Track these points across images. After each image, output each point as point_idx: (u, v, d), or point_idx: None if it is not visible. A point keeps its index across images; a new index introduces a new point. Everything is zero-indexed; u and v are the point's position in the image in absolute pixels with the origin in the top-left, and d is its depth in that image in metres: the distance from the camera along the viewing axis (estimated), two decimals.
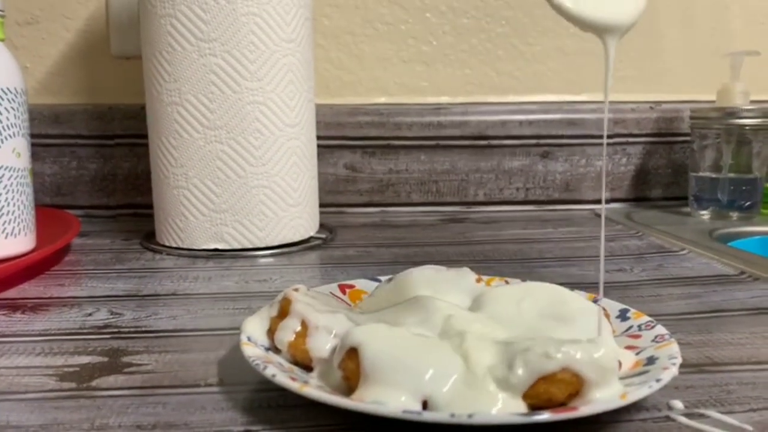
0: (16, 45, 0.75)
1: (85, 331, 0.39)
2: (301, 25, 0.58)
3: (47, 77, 0.76)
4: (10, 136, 0.50)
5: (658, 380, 0.27)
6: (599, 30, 0.32)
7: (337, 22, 0.77)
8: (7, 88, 0.50)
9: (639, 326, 0.34)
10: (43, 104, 0.74)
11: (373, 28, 0.78)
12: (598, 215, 0.75)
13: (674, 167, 0.80)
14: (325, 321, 0.32)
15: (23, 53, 0.75)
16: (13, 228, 0.51)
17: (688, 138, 0.77)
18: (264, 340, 0.33)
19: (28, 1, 0.74)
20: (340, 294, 0.40)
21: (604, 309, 0.34)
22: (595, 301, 0.36)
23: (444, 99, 0.79)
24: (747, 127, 0.70)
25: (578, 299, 0.35)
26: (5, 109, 0.50)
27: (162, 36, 0.55)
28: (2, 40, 0.51)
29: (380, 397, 0.26)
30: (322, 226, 0.65)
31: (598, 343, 0.30)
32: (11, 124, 0.50)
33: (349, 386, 0.28)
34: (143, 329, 0.39)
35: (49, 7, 0.75)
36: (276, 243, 0.58)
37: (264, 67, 0.55)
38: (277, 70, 0.56)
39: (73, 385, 0.32)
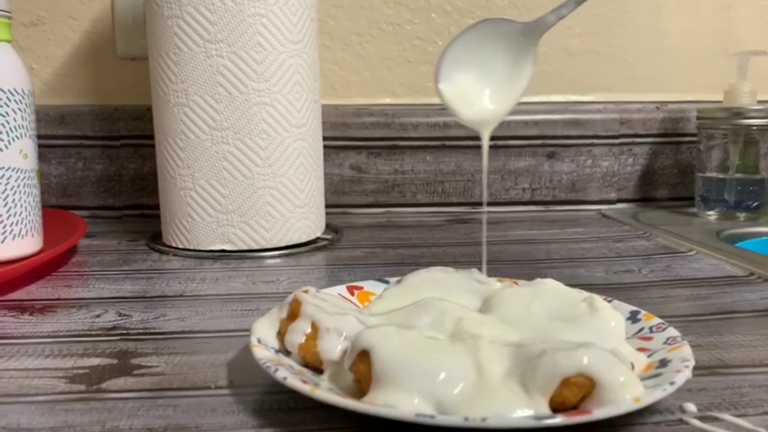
0: (22, 46, 0.75)
1: (93, 332, 0.39)
2: (307, 26, 0.58)
3: (53, 78, 0.76)
4: (17, 138, 0.50)
5: (671, 383, 0.27)
6: (475, 125, 0.42)
7: (342, 23, 0.77)
8: (14, 89, 0.50)
9: (650, 328, 0.34)
10: (48, 105, 0.74)
11: (378, 29, 0.78)
12: (605, 216, 0.75)
13: (681, 167, 0.80)
14: (335, 323, 0.32)
15: (29, 54, 0.75)
16: (21, 229, 0.51)
17: (694, 138, 0.77)
18: (274, 342, 0.33)
19: (33, 2, 0.74)
20: (348, 295, 0.39)
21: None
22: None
23: None
24: (754, 128, 0.70)
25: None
26: (12, 110, 0.50)
27: (168, 37, 0.55)
28: (9, 42, 0.51)
29: (392, 400, 0.26)
30: (328, 227, 0.65)
31: (611, 345, 0.30)
32: (18, 126, 0.50)
33: (360, 389, 0.28)
34: (152, 331, 0.39)
35: (55, 8, 0.75)
36: (283, 244, 0.58)
37: (270, 68, 0.55)
38: (283, 71, 0.56)
39: (83, 387, 0.32)
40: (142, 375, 0.33)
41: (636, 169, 0.80)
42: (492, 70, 0.42)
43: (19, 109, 0.51)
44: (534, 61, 0.41)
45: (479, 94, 0.42)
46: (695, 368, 0.29)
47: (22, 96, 0.51)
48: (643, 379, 0.28)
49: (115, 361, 0.35)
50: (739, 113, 0.70)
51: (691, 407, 0.29)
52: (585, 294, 0.36)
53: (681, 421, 0.28)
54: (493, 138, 0.78)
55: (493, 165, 0.78)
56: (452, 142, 0.77)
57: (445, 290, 0.38)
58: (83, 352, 0.36)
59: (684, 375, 0.28)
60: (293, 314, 0.33)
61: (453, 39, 0.42)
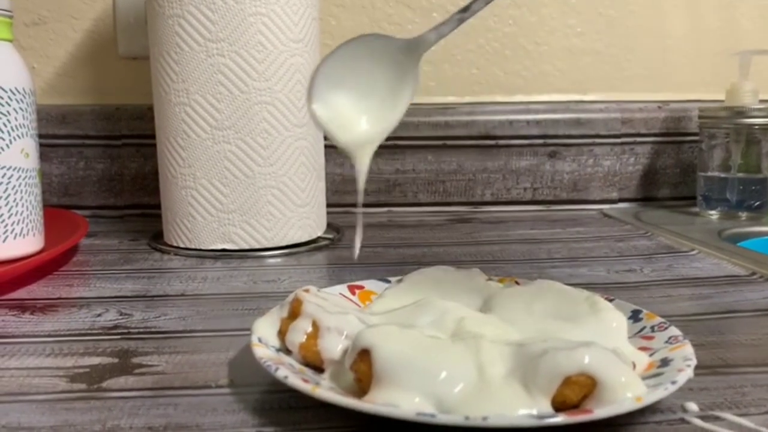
0: (24, 45, 0.75)
1: (94, 331, 0.39)
2: (309, 25, 0.58)
3: (54, 78, 0.76)
4: (19, 137, 0.50)
5: (673, 382, 0.27)
6: (351, 150, 0.38)
7: (344, 22, 0.77)
8: (16, 89, 0.50)
9: (652, 327, 0.34)
10: (50, 104, 0.74)
11: (380, 28, 0.78)
12: (607, 215, 0.75)
13: (682, 167, 0.80)
14: (336, 322, 0.32)
15: (30, 54, 0.75)
16: (22, 229, 0.51)
17: (696, 137, 0.77)
18: (275, 341, 0.33)
19: (35, 1, 0.74)
20: (349, 295, 0.39)
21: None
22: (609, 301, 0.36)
23: (451, 99, 0.79)
24: (756, 127, 0.70)
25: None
26: (14, 109, 0.50)
27: (170, 36, 0.55)
28: (10, 41, 0.51)
29: (393, 399, 0.26)
30: (329, 226, 0.65)
31: (613, 345, 0.30)
32: (20, 125, 0.50)
33: (361, 388, 0.28)
34: (153, 330, 0.39)
35: (57, 8, 0.75)
36: (284, 243, 0.58)
37: (272, 68, 0.55)
38: (284, 71, 0.56)
39: (84, 386, 0.32)
40: (143, 374, 0.33)
41: (638, 168, 0.80)
42: (370, 90, 0.39)
43: (21, 109, 0.51)
44: (415, 81, 0.37)
45: (356, 117, 0.39)
46: (697, 367, 0.29)
47: (23, 95, 0.51)
48: (644, 378, 0.28)
49: (115, 360, 0.35)
50: (741, 112, 0.70)
51: (692, 406, 0.29)
52: (586, 293, 0.36)
53: (682, 421, 0.28)
54: (494, 137, 0.78)
55: (494, 164, 0.78)
56: (453, 142, 0.77)
57: (446, 290, 0.38)
58: (84, 351, 0.36)
59: (686, 374, 0.28)
60: (294, 313, 0.33)
61: (327, 55, 0.39)
